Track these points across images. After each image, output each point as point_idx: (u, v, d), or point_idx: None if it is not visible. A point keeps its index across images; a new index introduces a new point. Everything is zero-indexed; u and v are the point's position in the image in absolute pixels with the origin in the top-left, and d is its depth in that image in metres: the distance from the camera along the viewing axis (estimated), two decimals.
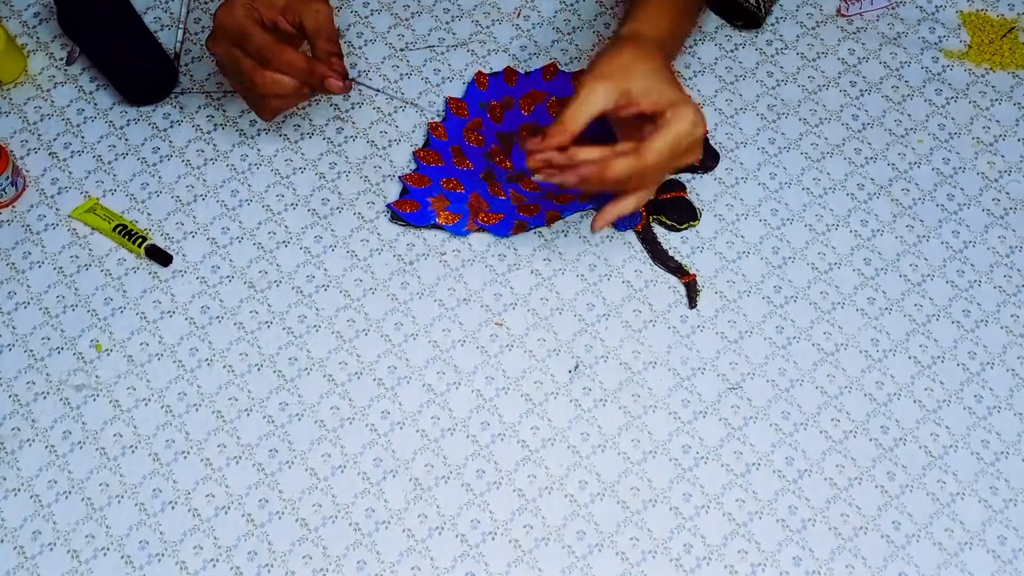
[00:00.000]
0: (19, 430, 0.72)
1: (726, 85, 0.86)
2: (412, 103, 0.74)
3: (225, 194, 0.81)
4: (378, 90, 0.77)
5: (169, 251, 0.78)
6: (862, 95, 0.86)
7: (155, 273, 0.78)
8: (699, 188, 0.81)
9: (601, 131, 0.69)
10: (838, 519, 0.70)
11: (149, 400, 0.73)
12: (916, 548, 0.69)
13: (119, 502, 0.70)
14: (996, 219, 0.81)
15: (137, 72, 0.82)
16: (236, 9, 0.69)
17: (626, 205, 0.68)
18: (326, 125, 0.84)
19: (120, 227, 0.77)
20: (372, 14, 0.88)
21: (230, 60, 0.71)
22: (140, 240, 0.77)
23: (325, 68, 0.71)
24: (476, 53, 0.87)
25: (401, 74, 0.86)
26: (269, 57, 0.69)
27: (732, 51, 0.87)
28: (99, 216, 0.78)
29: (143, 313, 0.76)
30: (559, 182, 0.66)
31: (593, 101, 0.65)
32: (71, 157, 0.82)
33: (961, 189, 0.82)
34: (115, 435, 0.72)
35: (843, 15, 0.89)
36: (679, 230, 0.80)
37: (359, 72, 0.86)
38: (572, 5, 0.89)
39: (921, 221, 0.81)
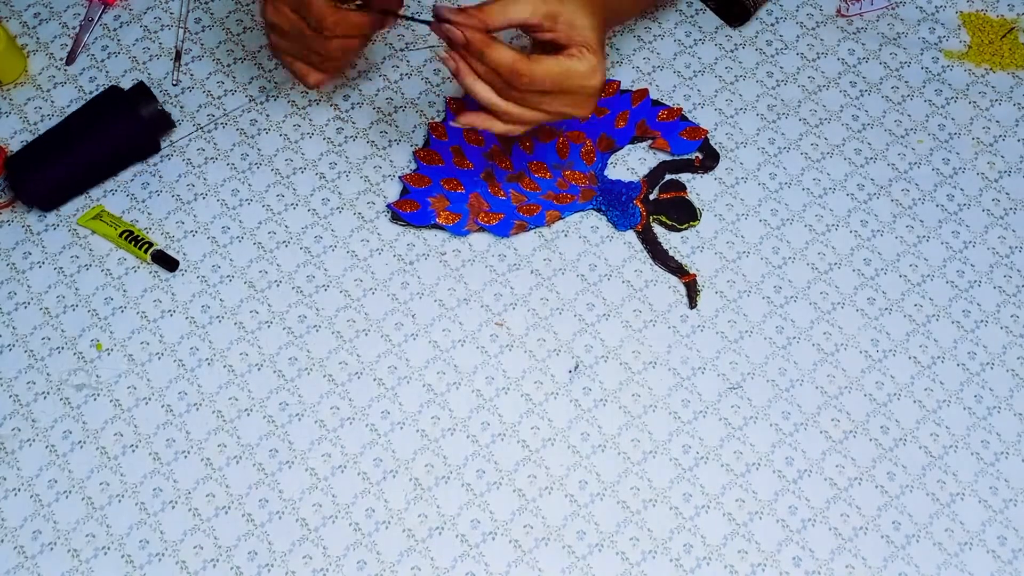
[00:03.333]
0: (19, 430, 0.72)
1: (726, 85, 0.86)
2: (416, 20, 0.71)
3: (225, 193, 0.81)
4: (423, 21, 0.72)
5: (169, 250, 0.78)
6: (862, 95, 0.86)
7: (155, 273, 0.78)
8: (699, 188, 0.81)
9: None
10: (838, 519, 0.70)
11: (149, 399, 0.73)
12: (916, 548, 0.69)
13: (119, 501, 0.70)
14: (996, 219, 0.81)
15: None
16: None
17: (495, 124, 0.68)
18: (326, 125, 0.84)
19: (126, 233, 0.77)
20: None
21: (291, 27, 0.70)
22: (147, 246, 0.77)
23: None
24: None
25: (401, 74, 0.86)
26: (329, 25, 0.69)
27: (732, 51, 0.87)
28: (106, 223, 0.78)
29: (143, 312, 0.76)
30: (443, 33, 0.65)
31: (520, 7, 0.65)
32: None
33: (961, 189, 0.82)
34: (115, 434, 0.72)
35: (843, 15, 0.89)
36: (679, 230, 0.80)
37: (359, 72, 0.86)
38: None
39: (921, 221, 0.81)
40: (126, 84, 0.84)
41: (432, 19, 0.66)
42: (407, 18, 0.70)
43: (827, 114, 0.85)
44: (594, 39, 0.67)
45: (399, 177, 0.81)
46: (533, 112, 0.68)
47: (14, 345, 0.75)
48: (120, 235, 0.77)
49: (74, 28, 0.87)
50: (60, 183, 0.79)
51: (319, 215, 0.80)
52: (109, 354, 0.75)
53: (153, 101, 0.79)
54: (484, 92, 0.67)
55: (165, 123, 0.81)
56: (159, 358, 0.75)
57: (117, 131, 0.79)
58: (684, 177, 0.82)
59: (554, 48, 0.67)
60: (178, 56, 0.85)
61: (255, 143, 0.83)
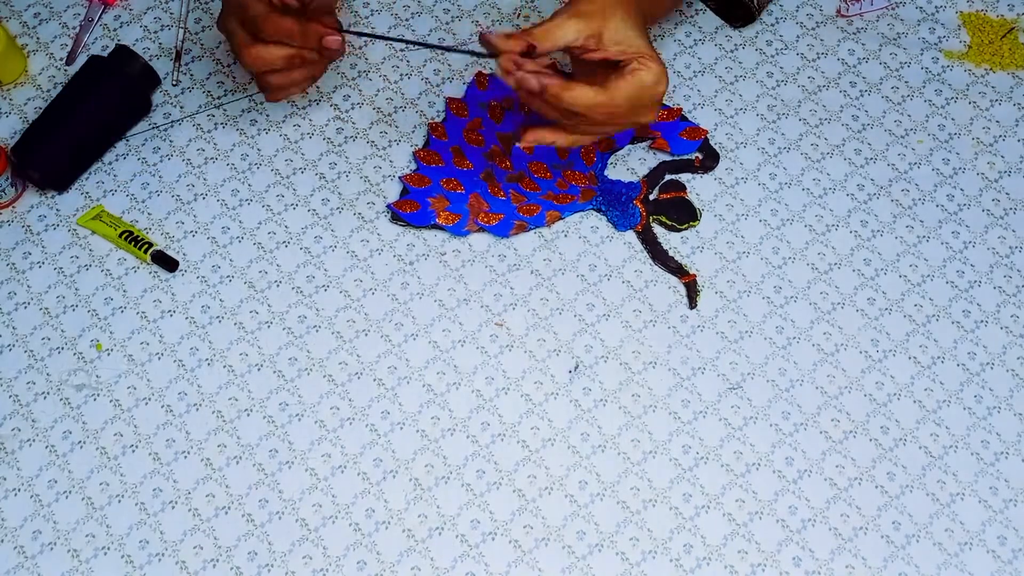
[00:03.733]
0: (19, 430, 0.72)
1: (726, 85, 0.86)
2: (416, 44, 0.70)
3: (225, 193, 0.81)
4: (380, 37, 0.74)
5: (169, 250, 0.78)
6: (862, 95, 0.86)
7: (155, 273, 0.78)
8: (699, 188, 0.81)
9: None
10: (838, 519, 0.70)
11: (149, 400, 0.73)
12: (916, 548, 0.69)
13: (119, 502, 0.70)
14: (996, 219, 0.81)
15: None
16: None
17: (563, 138, 0.69)
18: (326, 125, 0.84)
19: (126, 233, 0.77)
20: (372, 14, 0.88)
21: (229, 36, 0.71)
22: (146, 246, 0.77)
23: (319, 26, 0.70)
24: None
25: (401, 74, 0.86)
26: (261, 26, 0.68)
27: (732, 51, 0.87)
28: (105, 223, 0.78)
29: (143, 313, 0.76)
30: (515, 81, 0.65)
31: (564, 30, 0.65)
32: None
33: (961, 189, 0.82)
34: (115, 435, 0.72)
35: (843, 15, 0.89)
36: (679, 230, 0.80)
37: (359, 72, 0.86)
38: None
39: (921, 222, 0.81)
40: None
41: (474, 46, 0.66)
42: (449, 49, 0.70)
43: (827, 114, 0.85)
44: (646, 46, 0.67)
45: (399, 177, 0.81)
46: (602, 129, 0.69)
47: (14, 345, 0.75)
48: (120, 235, 0.77)
49: (74, 28, 0.87)
50: (69, 158, 0.79)
51: (319, 215, 0.80)
52: (109, 354, 0.75)
53: (136, 58, 0.81)
54: (550, 136, 0.68)
55: (152, 78, 0.82)
56: (159, 358, 0.75)
57: (109, 92, 0.80)
58: (684, 177, 0.82)
59: (604, 66, 0.67)
60: (178, 56, 0.85)
61: (255, 143, 0.83)
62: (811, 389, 0.74)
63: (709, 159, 0.82)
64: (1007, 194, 0.82)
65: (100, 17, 0.88)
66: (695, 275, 0.78)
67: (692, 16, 0.89)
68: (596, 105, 0.65)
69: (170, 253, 0.78)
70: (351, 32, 0.73)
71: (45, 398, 0.73)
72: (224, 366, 0.74)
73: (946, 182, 0.82)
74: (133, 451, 0.72)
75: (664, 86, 0.67)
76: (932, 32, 0.88)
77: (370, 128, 0.83)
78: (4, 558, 0.68)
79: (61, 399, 0.73)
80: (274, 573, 0.68)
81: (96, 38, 0.87)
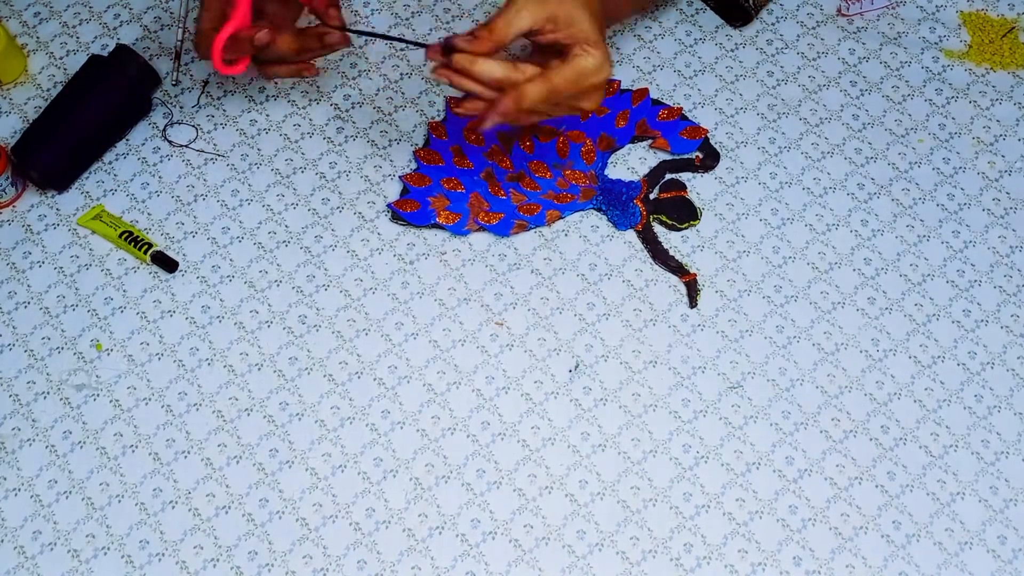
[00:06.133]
0: (19, 430, 0.72)
1: (726, 85, 0.86)
2: (413, 44, 0.72)
3: (225, 194, 0.81)
4: (379, 36, 0.74)
5: (169, 251, 0.78)
6: (862, 95, 0.86)
7: (155, 273, 0.78)
8: (699, 187, 0.81)
9: None
10: (838, 519, 0.70)
11: (149, 400, 0.73)
12: (916, 548, 0.69)
13: (119, 502, 0.70)
14: (996, 219, 0.81)
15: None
16: None
17: (495, 120, 0.69)
18: (326, 125, 0.84)
19: (126, 234, 0.77)
20: (372, 14, 0.88)
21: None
22: (146, 247, 0.77)
23: (316, 30, 0.74)
24: None
25: (401, 74, 0.86)
26: (265, 59, 0.73)
27: (732, 51, 0.87)
28: (105, 223, 0.78)
29: (143, 313, 0.76)
30: (471, 111, 0.68)
31: (523, 16, 0.66)
32: None
33: (961, 189, 0.82)
34: (115, 435, 0.72)
35: (843, 15, 0.89)
36: (679, 229, 0.80)
37: (359, 72, 0.86)
38: None
39: (921, 221, 0.81)
40: None
41: (431, 45, 0.67)
42: (407, 42, 0.71)
43: (827, 113, 0.85)
44: (594, 32, 0.67)
45: (399, 177, 0.81)
46: (546, 112, 0.69)
47: (14, 345, 0.75)
48: (120, 236, 0.77)
49: (75, 27, 0.87)
50: (69, 158, 0.80)
51: (319, 215, 0.80)
52: (109, 354, 0.75)
53: (136, 57, 0.81)
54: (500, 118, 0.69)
55: (152, 78, 0.82)
56: (159, 358, 0.75)
57: (109, 92, 0.80)
58: (684, 176, 0.82)
59: (556, 50, 0.68)
60: (178, 56, 0.85)
61: (255, 143, 0.83)
62: (811, 388, 0.74)
63: (709, 158, 0.82)
64: (1007, 193, 0.82)
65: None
66: (695, 274, 0.78)
67: (692, 15, 0.89)
68: (547, 93, 0.66)
69: (170, 254, 0.78)
70: (351, 30, 0.74)
71: (45, 398, 0.73)
72: (224, 366, 0.74)
73: (946, 181, 0.82)
74: (133, 451, 0.72)
75: (606, 73, 0.68)
76: (932, 31, 0.88)
77: (370, 128, 0.83)
78: (4, 558, 0.68)
79: (61, 399, 0.73)
80: (274, 573, 0.68)
81: (96, 36, 0.87)
